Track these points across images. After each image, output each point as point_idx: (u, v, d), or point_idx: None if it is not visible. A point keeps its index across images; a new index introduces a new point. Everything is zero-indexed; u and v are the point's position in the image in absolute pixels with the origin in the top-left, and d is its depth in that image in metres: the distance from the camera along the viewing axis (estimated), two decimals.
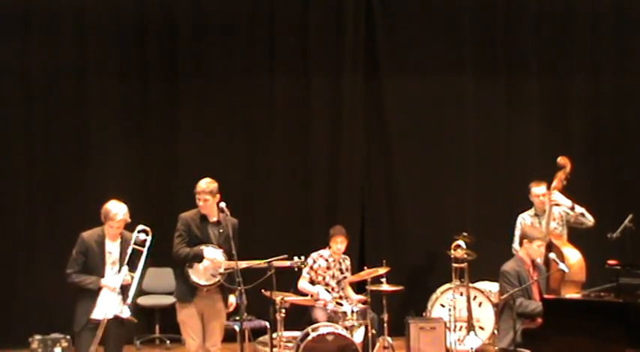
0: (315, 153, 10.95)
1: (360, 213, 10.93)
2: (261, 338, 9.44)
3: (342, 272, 9.48)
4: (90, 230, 7.60)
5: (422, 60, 10.97)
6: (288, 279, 9.14)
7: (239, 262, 7.80)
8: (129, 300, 7.42)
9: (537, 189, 9.09)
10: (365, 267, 9.43)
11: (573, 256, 8.65)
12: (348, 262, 9.58)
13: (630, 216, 8.90)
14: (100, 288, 7.45)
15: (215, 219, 7.96)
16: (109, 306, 7.42)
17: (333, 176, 10.95)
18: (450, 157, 11.01)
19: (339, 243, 9.38)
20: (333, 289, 9.37)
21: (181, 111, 10.83)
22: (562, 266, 8.10)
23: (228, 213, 7.83)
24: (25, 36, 10.58)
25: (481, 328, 9.76)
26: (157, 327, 10.40)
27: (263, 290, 8.29)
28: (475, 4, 11.04)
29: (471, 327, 9.52)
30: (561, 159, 8.99)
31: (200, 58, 10.84)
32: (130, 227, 7.69)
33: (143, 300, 10.05)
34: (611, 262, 7.89)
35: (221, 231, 7.96)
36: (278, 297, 8.42)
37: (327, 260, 9.42)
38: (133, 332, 9.89)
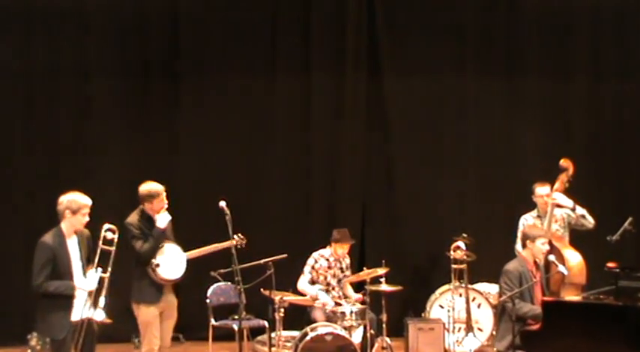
0: (316, 152, 10.95)
1: (360, 213, 10.92)
2: (259, 338, 9.44)
3: (342, 271, 9.49)
4: (46, 234, 7.37)
5: (423, 60, 10.96)
6: (288, 279, 9.15)
7: (188, 253, 8.04)
8: (102, 302, 7.27)
9: (541, 190, 9.07)
10: (364, 267, 9.44)
11: (574, 258, 8.63)
12: (347, 261, 9.58)
13: (630, 219, 8.86)
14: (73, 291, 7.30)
15: (157, 216, 8.04)
16: (85, 308, 7.30)
17: (334, 175, 10.96)
18: (451, 158, 11.00)
19: (345, 249, 9.40)
20: (333, 288, 9.37)
21: (182, 110, 10.84)
22: (561, 268, 8.10)
23: (228, 212, 7.84)
24: (26, 34, 10.58)
25: (480, 329, 9.75)
26: None
27: (262, 290, 8.30)
28: (477, 4, 11.04)
29: (469, 328, 9.52)
30: (564, 162, 8.97)
31: (201, 56, 10.84)
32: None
33: None
34: (610, 265, 7.89)
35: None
36: (277, 297, 8.43)
37: (327, 259, 9.42)
38: (130, 330, 9.90)
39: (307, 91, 10.94)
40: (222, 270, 8.19)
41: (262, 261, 8.25)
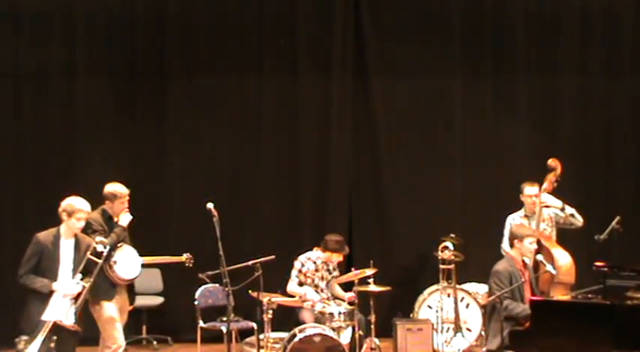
0: (303, 153, 10.93)
1: (347, 214, 10.91)
2: (248, 339, 9.42)
3: (329, 273, 9.47)
4: (45, 230, 7.56)
5: (410, 60, 10.95)
6: (276, 280, 9.13)
7: (143, 258, 8.16)
8: (74, 308, 7.36)
9: (530, 189, 9.07)
10: (352, 268, 9.42)
11: (563, 258, 8.64)
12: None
13: (617, 218, 8.89)
14: (51, 291, 7.37)
15: (116, 218, 8.13)
16: (58, 310, 7.35)
17: (321, 176, 10.93)
18: (439, 158, 11.00)
19: (341, 257, 9.41)
20: (322, 290, 9.35)
21: (170, 111, 10.81)
22: (549, 267, 8.11)
23: (216, 214, 7.83)
24: (14, 35, 10.56)
25: (468, 329, 9.75)
26: (144, 328, 10.36)
27: (250, 291, 8.29)
28: (464, 4, 11.03)
29: (458, 329, 9.52)
30: (552, 162, 8.99)
31: (189, 57, 10.83)
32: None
33: None
34: (598, 264, 7.90)
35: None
36: (265, 298, 8.41)
37: (315, 262, 9.39)
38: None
39: (294, 92, 10.92)
40: (210, 272, 8.17)
41: (250, 263, 8.23)
